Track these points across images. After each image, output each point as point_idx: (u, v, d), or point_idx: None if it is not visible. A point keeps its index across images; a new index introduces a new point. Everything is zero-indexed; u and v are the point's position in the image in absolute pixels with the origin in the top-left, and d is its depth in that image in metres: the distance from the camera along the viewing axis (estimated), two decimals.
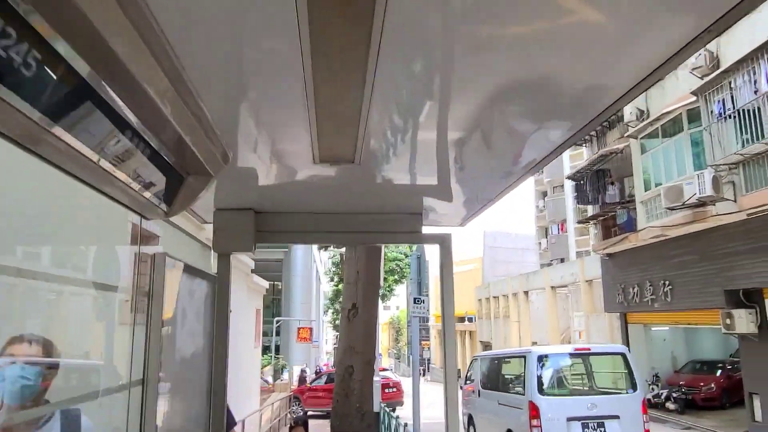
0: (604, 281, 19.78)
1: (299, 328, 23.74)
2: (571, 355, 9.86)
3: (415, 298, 6.85)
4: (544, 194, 43.06)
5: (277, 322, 25.76)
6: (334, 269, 46.27)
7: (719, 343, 20.28)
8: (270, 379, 22.05)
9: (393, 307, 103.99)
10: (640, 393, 9.20)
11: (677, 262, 15.09)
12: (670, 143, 14.51)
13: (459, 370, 38.15)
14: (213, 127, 1.81)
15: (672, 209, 13.76)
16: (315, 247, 40.34)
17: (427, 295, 7.14)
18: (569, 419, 8.36)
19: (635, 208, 16.50)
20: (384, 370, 21.58)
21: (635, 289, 17.31)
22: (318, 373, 31.79)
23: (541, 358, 9.07)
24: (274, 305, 38.94)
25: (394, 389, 19.48)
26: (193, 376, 2.73)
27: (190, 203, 2.19)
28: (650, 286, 16.40)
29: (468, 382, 12.85)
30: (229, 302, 3.16)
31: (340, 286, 45.44)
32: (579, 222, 19.83)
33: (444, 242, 3.28)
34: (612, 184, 17.53)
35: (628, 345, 19.35)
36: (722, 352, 19.94)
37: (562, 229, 39.93)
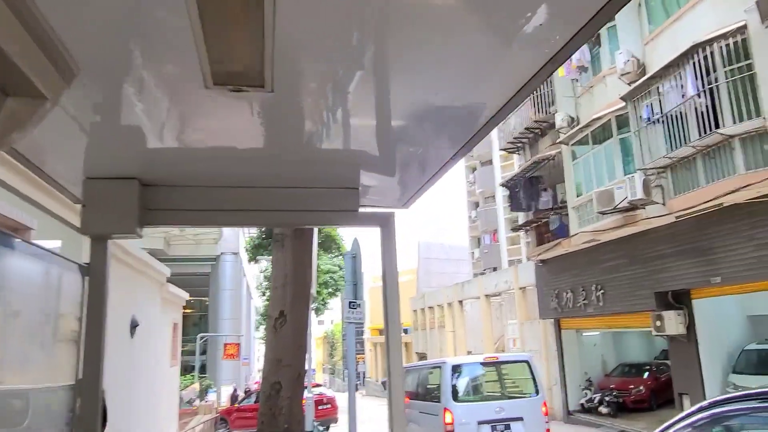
0: (539, 288, 19.90)
1: (226, 344, 22.32)
2: (482, 364, 10.50)
3: (350, 302, 6.17)
4: (477, 205, 43.67)
5: (203, 338, 24.15)
6: (266, 283, 44.80)
7: (645, 345, 20.87)
8: (196, 400, 20.54)
9: (327, 322, 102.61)
10: (542, 396, 9.95)
11: (609, 266, 15.27)
12: (600, 149, 14.70)
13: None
14: (46, 26, 1.18)
15: (603, 213, 13.88)
16: (245, 259, 38.78)
17: (362, 300, 6.48)
18: (479, 423, 9.03)
19: (567, 214, 16.64)
20: (317, 385, 20.66)
21: (568, 295, 17.44)
22: (247, 392, 30.27)
23: (455, 368, 9.69)
24: (201, 322, 36.98)
25: (329, 405, 18.62)
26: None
27: (11, 137, 1.46)
28: (583, 290, 16.54)
29: None
30: (105, 298, 2.37)
31: None
32: (513, 229, 19.91)
33: (386, 224, 2.62)
34: (545, 190, 17.66)
35: (561, 350, 19.55)
36: (648, 354, 20.51)
37: (494, 239, 40.54)
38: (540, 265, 19.34)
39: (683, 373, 13.14)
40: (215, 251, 30.77)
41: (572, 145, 15.95)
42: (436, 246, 64.11)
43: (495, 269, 37.76)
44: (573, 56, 15.72)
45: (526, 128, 18.17)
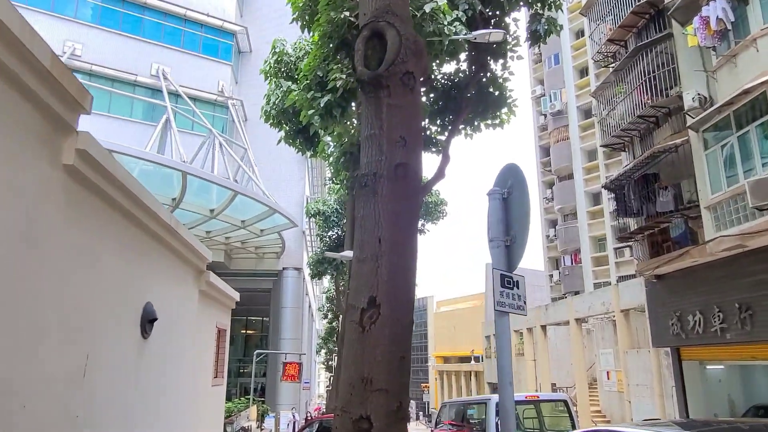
0: (651, 309, 16.61)
1: (285, 364, 20.14)
2: (523, 402, 11.08)
3: (503, 276, 3.53)
4: (554, 223, 40.18)
5: (259, 356, 22.14)
6: (328, 305, 42.91)
7: None
8: (253, 426, 18.37)
9: None
10: None
11: (760, 279, 12.03)
12: (749, 130, 11.64)
13: (432, 414, 34.06)
14: None
15: (761, 209, 10.79)
16: (308, 277, 37.05)
17: (521, 277, 3.70)
18: None
19: (695, 217, 13.54)
20: None
21: (696, 317, 14.16)
22: (308, 420, 27.97)
23: (497, 405, 9.45)
24: (262, 344, 35.23)
25: None
26: None
27: None
28: (720, 312, 13.27)
29: (439, 425, 13.66)
30: None
31: (335, 324, 42.06)
32: (619, 239, 16.79)
33: None
34: (665, 189, 14.60)
35: (683, 385, 16.11)
36: None
37: (575, 260, 36.89)
38: (654, 282, 16.10)
39: None
40: (277, 266, 29.09)
41: (705, 130, 12.93)
42: None
43: (577, 293, 34.12)
44: (711, 18, 12.85)
45: (640, 116, 15.27)
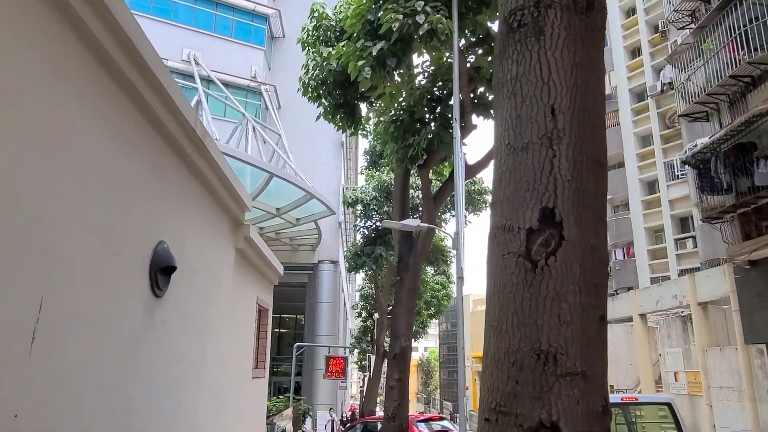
0: (742, 301, 14.50)
1: (330, 359, 18.58)
2: (619, 404, 9.49)
3: None
4: None
5: (299, 349, 20.67)
6: (362, 303, 41.43)
7: None
8: (288, 428, 16.87)
9: (421, 349, 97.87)
10: None
11: None
12: None
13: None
14: None
15: None
16: (343, 273, 35.63)
17: None
18: None
19: None
20: (441, 418, 16.37)
21: None
22: (351, 420, 26.45)
23: None
24: (296, 342, 33.88)
25: None
26: None
27: None
28: None
29: None
30: None
31: (368, 323, 40.54)
32: (704, 219, 14.74)
33: None
34: (765, 159, 12.55)
35: None
36: None
37: (628, 254, 34.47)
38: (747, 270, 14.01)
39: None
40: (313, 258, 27.70)
41: None
42: None
43: (629, 289, 31.79)
44: None
45: (732, 76, 13.23)
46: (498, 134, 2.38)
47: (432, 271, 33.48)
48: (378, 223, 26.93)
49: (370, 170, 26.94)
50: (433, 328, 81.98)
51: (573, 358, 2.00)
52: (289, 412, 13.68)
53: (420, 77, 12.16)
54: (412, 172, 17.15)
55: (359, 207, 25.69)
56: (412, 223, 8.72)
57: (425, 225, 8.93)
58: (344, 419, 30.23)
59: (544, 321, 2.03)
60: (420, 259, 13.61)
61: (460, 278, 7.90)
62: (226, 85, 25.89)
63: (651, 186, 32.85)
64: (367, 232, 26.83)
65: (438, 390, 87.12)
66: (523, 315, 2.07)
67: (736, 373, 15.67)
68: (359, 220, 27.27)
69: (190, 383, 3.60)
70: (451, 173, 14.01)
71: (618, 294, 31.44)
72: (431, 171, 13.75)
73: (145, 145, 2.87)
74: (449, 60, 11.62)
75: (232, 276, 4.60)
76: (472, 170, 12.38)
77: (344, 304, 38.32)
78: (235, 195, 4.26)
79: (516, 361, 2.04)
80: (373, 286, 32.48)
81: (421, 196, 19.43)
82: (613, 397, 11.64)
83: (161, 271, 2.95)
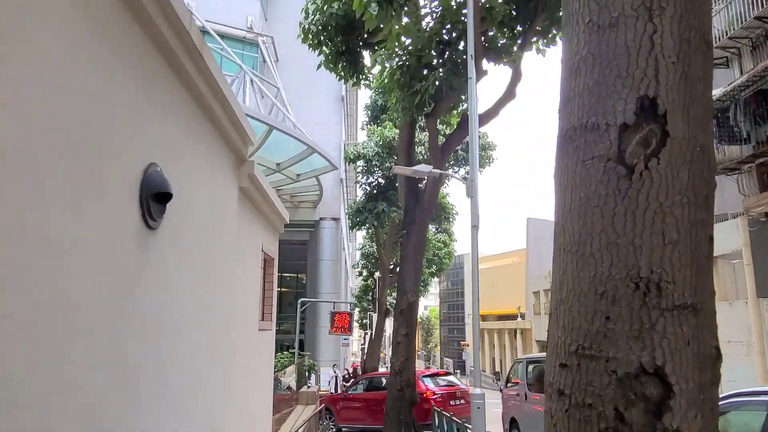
0: (756, 254, 14.19)
1: (335, 314, 18.38)
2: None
3: None
4: None
5: (303, 304, 20.48)
6: (363, 262, 41.32)
7: None
8: (293, 385, 16.81)
9: (421, 307, 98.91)
10: None
11: None
12: None
13: (498, 372, 32.30)
14: None
15: None
16: (344, 231, 35.34)
17: None
18: None
19: None
20: (447, 373, 16.27)
21: None
22: (354, 375, 26.60)
23: None
24: (297, 302, 33.74)
25: (462, 401, 14.17)
26: None
27: None
28: None
29: (510, 384, 12.27)
30: None
31: (369, 281, 40.46)
32: (722, 170, 14.24)
33: None
34: None
35: None
36: None
37: None
38: (763, 222, 13.62)
39: None
40: (314, 216, 27.30)
41: None
42: (549, 224, 57.77)
43: None
44: None
45: (757, 17, 12.50)
46: (573, 12, 1.87)
47: (434, 229, 33.17)
48: (380, 180, 26.44)
49: (371, 126, 26.25)
50: (434, 287, 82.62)
51: (681, 287, 1.56)
52: (293, 368, 13.53)
53: (428, 18, 11.46)
54: (418, 123, 16.56)
55: (361, 163, 25.12)
56: (424, 168, 8.25)
57: (437, 171, 8.47)
58: (347, 375, 30.50)
59: (644, 241, 1.58)
60: (426, 213, 13.20)
61: (475, 227, 7.48)
62: (222, 36, 24.90)
63: None
64: (369, 189, 26.37)
65: (438, 347, 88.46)
66: (614, 234, 1.61)
67: (745, 327, 15.49)
68: (361, 176, 26.76)
69: (192, 331, 3.20)
70: (459, 123, 13.44)
71: None
72: (438, 120, 13.20)
73: (129, 44, 2.37)
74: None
75: (236, 218, 4.15)
76: (481, 119, 11.84)
77: (345, 262, 38.19)
78: (237, 124, 3.77)
79: (606, 292, 1.60)
80: (374, 244, 32.23)
81: (426, 149, 18.86)
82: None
83: (154, 198, 2.50)
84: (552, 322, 1.82)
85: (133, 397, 2.43)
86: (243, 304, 4.59)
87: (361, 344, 59.24)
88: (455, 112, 13.61)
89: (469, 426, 8.04)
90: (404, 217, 13.53)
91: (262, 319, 5.51)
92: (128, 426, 2.38)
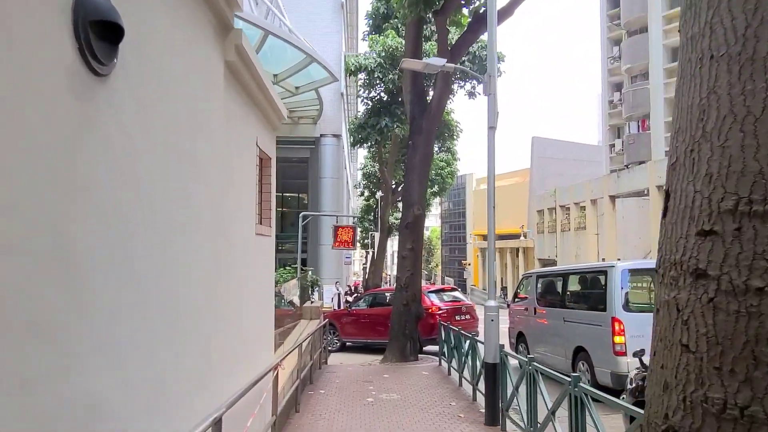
0: None
1: (338, 228, 17.94)
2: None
3: None
4: (619, 86, 35.78)
5: (305, 219, 20.03)
6: (365, 182, 40.74)
7: None
8: (295, 300, 16.76)
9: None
10: None
11: None
12: None
13: (505, 288, 32.44)
14: None
15: None
16: (345, 149, 34.51)
17: None
18: None
19: None
20: (452, 289, 16.12)
21: None
22: (355, 293, 26.80)
23: (627, 273, 8.35)
24: (298, 223, 33.44)
25: (468, 316, 14.05)
26: None
27: None
28: None
29: (516, 300, 12.17)
30: None
31: (371, 201, 40.01)
32: None
33: None
34: None
35: None
36: None
37: (643, 127, 33.08)
38: None
39: None
40: (314, 132, 26.39)
41: None
42: (553, 143, 56.78)
43: (641, 163, 30.87)
44: None
45: None
46: None
47: (437, 148, 32.33)
48: (382, 94, 25.29)
49: (373, 36, 24.76)
50: (435, 208, 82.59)
51: None
52: (295, 281, 13.28)
53: None
54: (425, 23, 15.36)
55: (362, 75, 23.91)
56: (437, 61, 7.41)
57: (451, 65, 7.64)
58: (350, 290, 30.81)
59: None
60: (434, 122, 12.43)
61: (492, 128, 6.79)
62: None
63: (675, 52, 30.61)
64: (371, 103, 25.29)
65: (439, 267, 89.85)
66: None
67: None
68: (362, 90, 25.60)
69: (161, 218, 2.61)
70: (470, 24, 12.37)
71: (628, 169, 30.55)
72: (448, 19, 12.11)
73: None
74: None
75: (224, 99, 3.47)
76: (499, 15, 10.78)
77: (347, 182, 37.64)
78: None
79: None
80: (376, 163, 31.52)
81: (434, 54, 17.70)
82: (650, 262, 11.07)
83: (96, 30, 1.82)
84: (680, 175, 1.20)
85: (76, 297, 1.86)
86: (235, 204, 4.01)
87: (363, 264, 59.89)
88: (465, 11, 12.48)
89: (480, 340, 7.74)
90: (410, 126, 12.76)
91: (260, 224, 4.96)
92: (70, 334, 1.81)
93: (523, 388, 5.71)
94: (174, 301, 2.87)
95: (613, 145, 36.35)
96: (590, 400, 4.11)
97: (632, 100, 33.51)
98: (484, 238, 52.92)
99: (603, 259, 24.92)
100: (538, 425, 5.18)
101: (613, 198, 25.36)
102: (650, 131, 32.12)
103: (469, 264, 59.73)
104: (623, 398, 5.04)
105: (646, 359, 5.08)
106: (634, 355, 5.04)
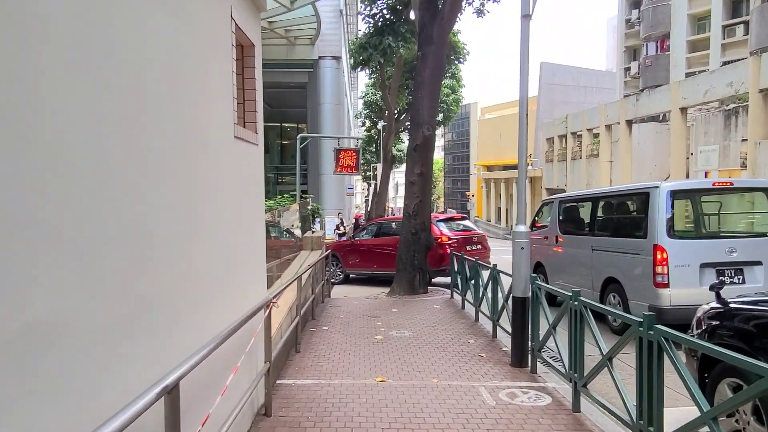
0: None
1: (339, 151, 16.76)
2: (709, 190, 7.86)
3: None
4: (637, 4, 33.39)
5: (303, 140, 18.74)
6: (366, 111, 39.02)
7: None
8: (297, 231, 15.87)
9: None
10: None
11: None
12: None
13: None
14: None
15: None
16: (346, 75, 32.68)
17: None
18: (702, 265, 6.91)
19: None
20: (463, 218, 15.14)
21: None
22: (357, 226, 25.97)
23: (671, 195, 7.12)
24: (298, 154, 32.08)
25: (479, 246, 13.18)
26: None
27: None
28: None
29: (534, 229, 10.78)
30: None
31: (373, 132, 38.50)
32: None
33: None
34: None
35: None
36: None
37: (662, 47, 31.10)
38: None
39: None
40: (312, 54, 24.69)
41: None
42: (561, 69, 54.45)
43: (658, 86, 29.18)
44: None
45: None
46: None
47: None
48: (384, 11, 23.36)
49: None
50: (438, 139, 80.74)
51: None
52: (296, 206, 12.29)
53: None
54: None
55: None
56: None
57: None
58: (356, 223, 30.03)
59: None
60: (446, 29, 11.03)
61: (526, 16, 5.55)
62: None
63: None
64: (373, 22, 23.42)
65: (442, 199, 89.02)
66: None
67: None
68: (364, 7, 23.64)
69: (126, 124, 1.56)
70: None
71: (643, 92, 28.91)
72: None
73: None
74: None
75: None
76: None
77: (348, 110, 36.00)
78: None
79: None
80: (379, 90, 29.83)
81: None
82: (704, 181, 9.99)
83: None
84: None
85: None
86: (200, 93, 2.93)
87: (365, 196, 58.92)
88: None
89: (503, 270, 6.85)
90: (419, 35, 11.36)
91: (243, 126, 3.89)
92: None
93: (562, 328, 4.82)
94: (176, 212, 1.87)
95: (628, 69, 34.42)
96: (672, 344, 3.20)
97: (652, 17, 31.33)
98: (489, 169, 51.71)
99: None
100: (584, 372, 4.32)
101: (629, 123, 23.99)
102: (669, 52, 30.21)
103: (473, 195, 58.85)
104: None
105: (726, 294, 4.14)
106: (711, 288, 4.08)
